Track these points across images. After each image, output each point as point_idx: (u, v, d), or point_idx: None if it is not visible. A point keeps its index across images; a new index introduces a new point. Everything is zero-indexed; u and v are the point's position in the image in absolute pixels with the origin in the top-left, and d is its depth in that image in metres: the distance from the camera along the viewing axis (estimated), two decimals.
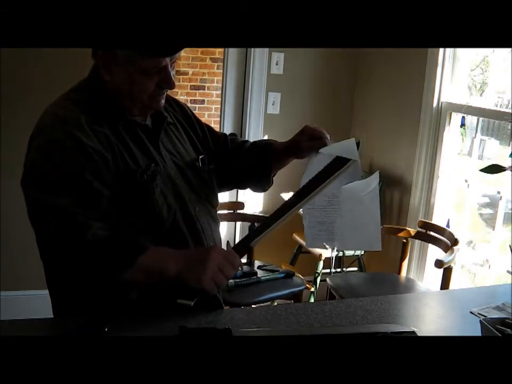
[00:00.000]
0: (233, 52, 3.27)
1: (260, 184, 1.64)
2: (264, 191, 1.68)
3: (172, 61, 1.32)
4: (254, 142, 1.68)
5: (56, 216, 1.22)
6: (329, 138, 1.49)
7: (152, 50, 1.26)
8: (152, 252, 1.24)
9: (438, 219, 2.87)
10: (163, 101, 1.39)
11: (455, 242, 2.45)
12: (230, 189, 1.80)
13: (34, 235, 1.34)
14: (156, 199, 1.33)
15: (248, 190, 1.74)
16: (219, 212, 1.68)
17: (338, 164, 1.42)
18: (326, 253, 2.96)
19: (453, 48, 2.74)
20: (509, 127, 2.63)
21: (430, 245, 2.81)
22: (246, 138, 3.29)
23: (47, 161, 1.25)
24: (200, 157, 1.51)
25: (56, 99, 1.36)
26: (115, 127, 1.33)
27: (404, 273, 2.73)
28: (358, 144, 1.45)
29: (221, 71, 3.60)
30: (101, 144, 1.28)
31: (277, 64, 3.30)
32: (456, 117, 2.80)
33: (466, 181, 2.82)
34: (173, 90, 1.41)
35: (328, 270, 3.00)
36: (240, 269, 1.36)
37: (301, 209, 1.46)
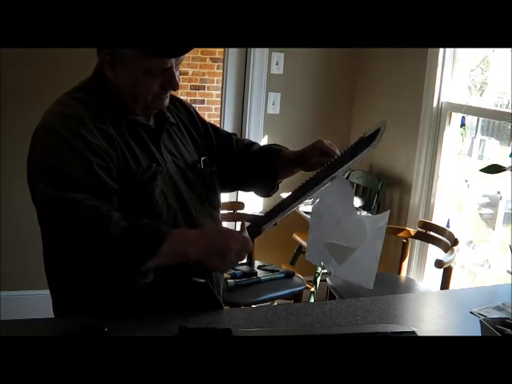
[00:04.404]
0: (233, 52, 3.27)
1: (264, 189, 1.62)
2: (268, 197, 1.66)
3: (177, 62, 1.32)
4: (264, 145, 1.67)
5: (75, 208, 1.20)
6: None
7: (158, 51, 1.25)
8: (173, 237, 1.25)
9: (438, 219, 2.87)
10: (167, 101, 1.38)
11: (455, 242, 2.45)
12: (233, 190, 1.79)
13: (42, 232, 1.34)
14: (156, 199, 1.33)
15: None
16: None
17: (360, 145, 1.40)
18: None
19: (453, 48, 2.74)
20: (509, 127, 2.63)
21: (430, 245, 2.81)
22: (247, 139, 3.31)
23: (55, 158, 1.24)
24: (202, 158, 1.51)
25: (60, 97, 1.35)
26: (118, 125, 1.33)
27: (404, 273, 2.73)
28: (378, 130, 1.41)
29: (221, 71, 3.60)
30: (105, 141, 1.28)
31: (277, 64, 3.30)
32: (456, 117, 2.80)
33: (466, 181, 2.82)
34: None
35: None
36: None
37: (310, 221, 1.44)
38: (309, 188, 1.38)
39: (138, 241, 1.21)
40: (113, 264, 1.21)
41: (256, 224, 1.36)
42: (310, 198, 1.42)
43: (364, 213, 3.08)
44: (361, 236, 1.34)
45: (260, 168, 1.58)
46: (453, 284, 2.43)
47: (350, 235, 1.36)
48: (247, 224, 1.36)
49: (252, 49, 3.21)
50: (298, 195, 1.39)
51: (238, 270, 2.60)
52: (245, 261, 2.80)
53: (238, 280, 2.48)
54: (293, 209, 1.38)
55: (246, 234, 1.32)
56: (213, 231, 1.38)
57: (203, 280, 1.34)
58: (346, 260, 1.35)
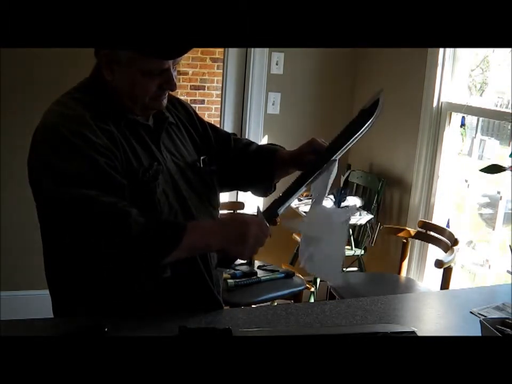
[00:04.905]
0: (233, 52, 3.27)
1: (262, 189, 1.62)
2: (265, 197, 1.66)
3: (174, 63, 1.32)
4: (262, 145, 1.67)
5: (91, 206, 1.20)
6: None
7: (157, 52, 1.25)
8: (192, 230, 1.25)
9: (438, 219, 2.87)
10: (165, 101, 1.38)
11: (455, 242, 2.45)
12: (231, 189, 1.79)
13: (44, 232, 1.34)
14: (157, 198, 1.32)
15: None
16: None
17: (362, 118, 1.42)
18: None
19: (453, 48, 2.74)
20: (509, 127, 2.63)
21: (430, 245, 2.81)
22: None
23: (60, 158, 1.23)
24: (202, 157, 1.51)
25: (59, 98, 1.35)
26: (118, 125, 1.33)
27: (404, 273, 2.74)
28: (377, 101, 1.42)
29: (221, 71, 3.60)
30: (108, 140, 1.28)
31: (277, 64, 3.30)
32: (456, 117, 2.80)
33: (466, 181, 2.82)
34: None
35: None
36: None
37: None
38: (318, 166, 1.39)
39: (158, 236, 1.22)
40: (133, 260, 1.21)
41: (271, 208, 1.36)
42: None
43: (364, 213, 3.08)
44: (329, 227, 1.34)
45: (257, 168, 1.58)
46: (453, 284, 2.43)
47: (319, 225, 1.36)
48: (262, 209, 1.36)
49: (252, 49, 3.21)
50: (308, 174, 1.39)
51: (238, 270, 2.60)
52: (244, 261, 2.80)
53: (238, 280, 2.47)
54: (304, 189, 1.39)
55: (263, 219, 1.32)
56: (229, 219, 1.39)
57: (228, 270, 1.35)
58: (317, 255, 1.33)
